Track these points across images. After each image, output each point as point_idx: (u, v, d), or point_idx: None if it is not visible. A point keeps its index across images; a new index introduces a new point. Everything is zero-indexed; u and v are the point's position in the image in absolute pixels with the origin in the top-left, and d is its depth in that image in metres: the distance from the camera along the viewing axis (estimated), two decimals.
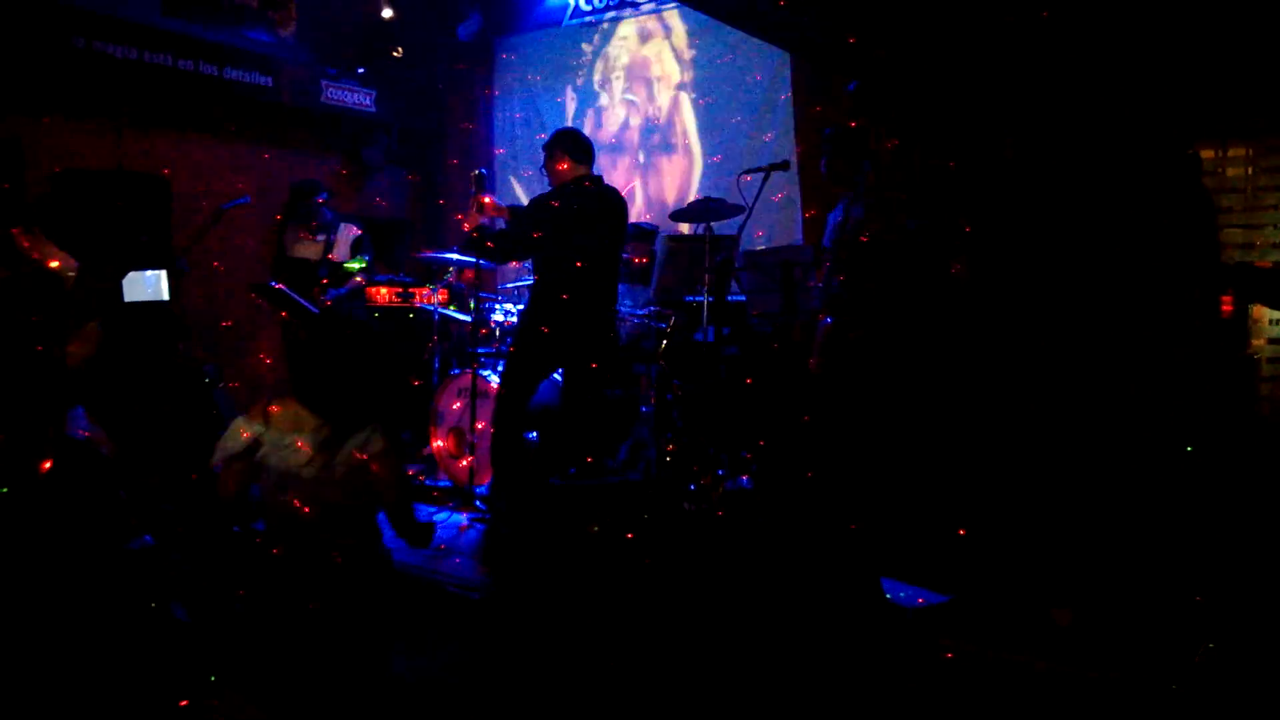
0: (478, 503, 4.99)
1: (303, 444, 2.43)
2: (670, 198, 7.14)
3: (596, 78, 7.59)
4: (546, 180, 4.66)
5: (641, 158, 7.38)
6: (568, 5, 7.59)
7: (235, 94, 6.71)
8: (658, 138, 7.29)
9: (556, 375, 4.88)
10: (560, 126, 4.71)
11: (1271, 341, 4.94)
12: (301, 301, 5.43)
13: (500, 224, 4.88)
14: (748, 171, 4.91)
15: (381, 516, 2.70)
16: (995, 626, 3.20)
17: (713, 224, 4.92)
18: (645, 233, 5.95)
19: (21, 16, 5.56)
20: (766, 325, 5.41)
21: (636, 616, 3.34)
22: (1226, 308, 4.11)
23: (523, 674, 3.20)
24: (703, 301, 4.81)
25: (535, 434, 5.08)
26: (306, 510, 2.35)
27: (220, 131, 6.90)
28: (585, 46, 7.61)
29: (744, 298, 5.32)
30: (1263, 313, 4.86)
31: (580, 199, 4.44)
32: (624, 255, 5.82)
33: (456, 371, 5.56)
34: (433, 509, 5.00)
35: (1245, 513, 3.52)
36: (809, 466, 4.31)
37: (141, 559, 2.73)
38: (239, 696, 2.24)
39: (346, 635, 2.35)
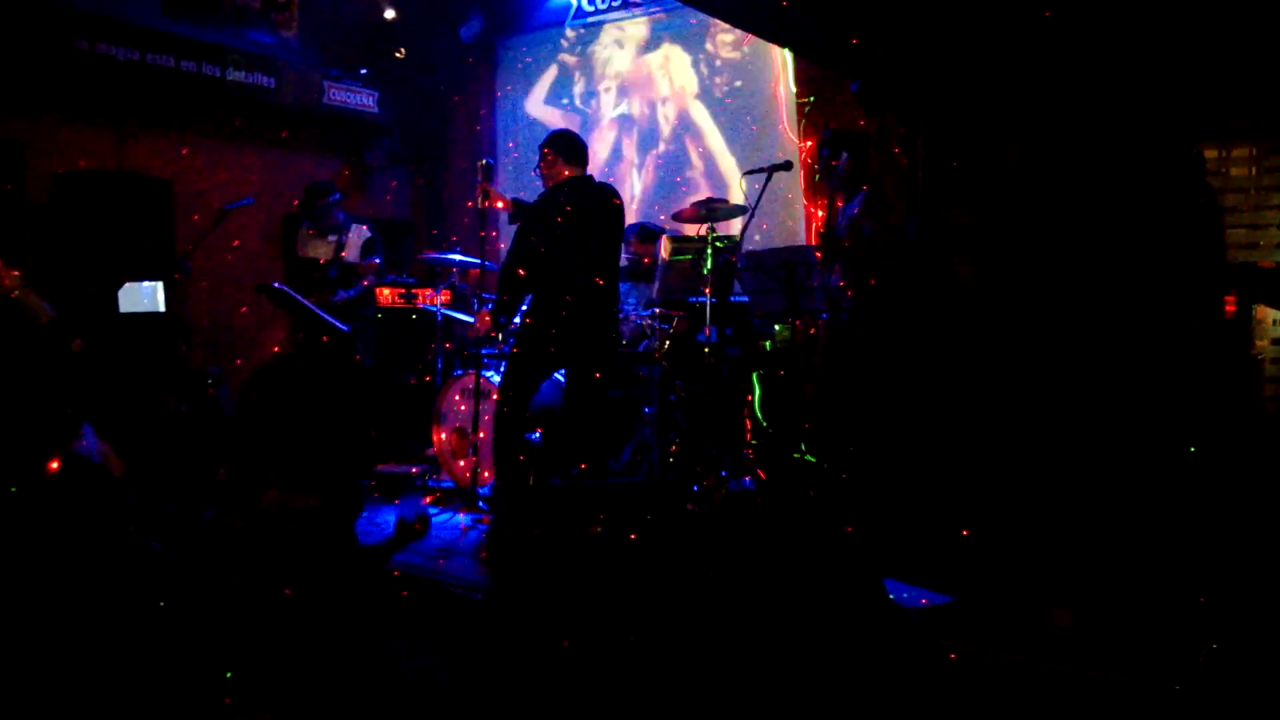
0: (480, 503, 4.99)
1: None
2: (672, 197, 7.13)
3: (599, 78, 7.59)
4: (541, 182, 4.68)
5: (643, 158, 7.38)
6: (570, 6, 7.58)
7: (237, 95, 6.71)
8: (660, 138, 7.28)
9: (559, 375, 4.89)
10: (554, 129, 4.73)
11: (1275, 342, 4.93)
12: (305, 303, 5.43)
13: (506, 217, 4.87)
14: (750, 172, 4.91)
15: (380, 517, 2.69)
16: (998, 627, 3.20)
17: (715, 224, 4.93)
18: (652, 233, 5.95)
19: (23, 18, 5.57)
20: (769, 326, 5.41)
21: (639, 617, 3.34)
22: (1230, 308, 4.11)
23: (525, 675, 3.20)
24: (705, 302, 4.81)
25: (538, 434, 5.09)
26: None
27: (222, 133, 6.91)
28: (588, 47, 7.61)
29: (746, 298, 5.32)
30: (1266, 313, 4.84)
31: (575, 198, 4.46)
32: (631, 254, 5.84)
33: (460, 372, 5.56)
34: (435, 509, 5.00)
35: (1248, 513, 3.52)
36: (813, 467, 4.31)
37: (146, 563, 2.74)
38: (251, 702, 2.24)
39: (343, 635, 2.35)
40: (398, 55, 7.78)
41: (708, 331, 4.84)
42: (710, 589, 3.38)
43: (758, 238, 6.17)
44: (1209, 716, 2.74)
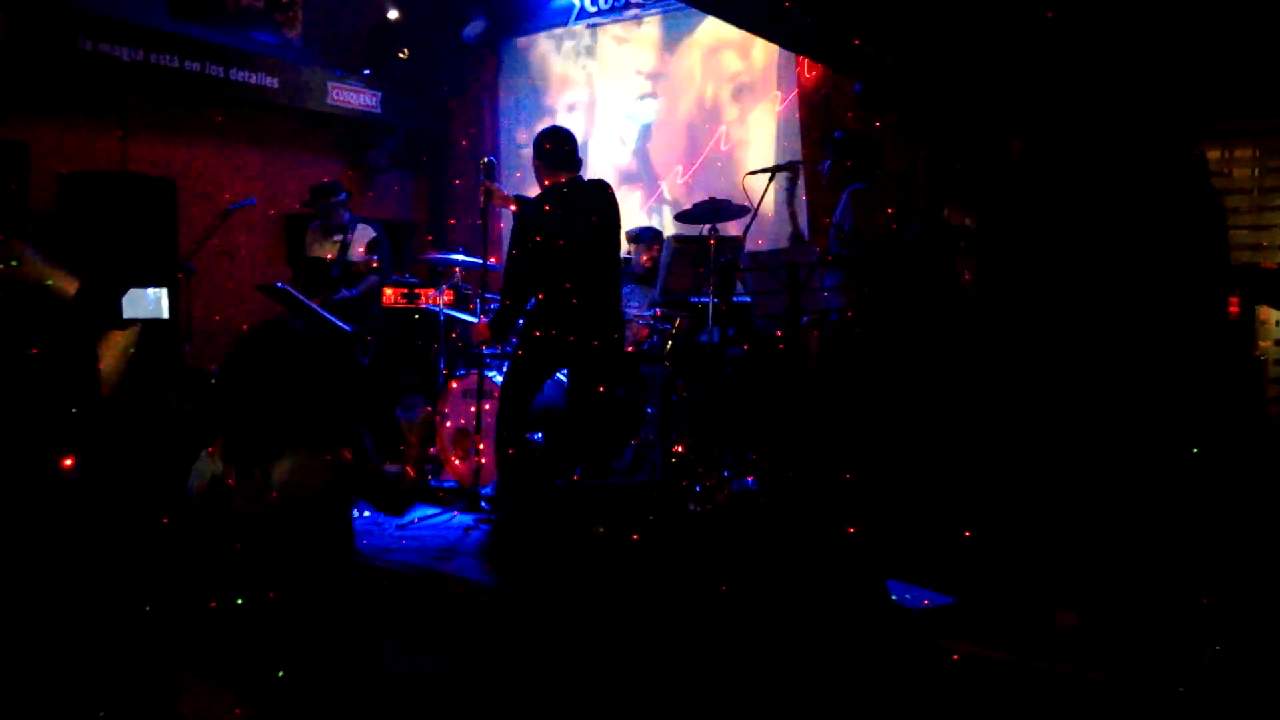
0: (482, 503, 4.99)
1: (230, 479, 2.26)
2: (674, 198, 7.14)
3: (602, 79, 7.59)
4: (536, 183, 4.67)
5: (645, 158, 7.38)
6: (573, 6, 7.59)
7: (241, 96, 6.73)
8: (662, 138, 7.29)
9: (561, 375, 4.88)
10: (547, 127, 4.71)
11: (1278, 343, 4.92)
12: (307, 302, 5.43)
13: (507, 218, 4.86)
14: (753, 172, 4.91)
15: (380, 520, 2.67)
16: (1000, 628, 3.20)
17: (718, 225, 4.93)
18: (655, 234, 5.95)
19: (28, 19, 5.59)
20: (771, 327, 5.41)
21: (641, 617, 3.34)
22: (1233, 309, 4.10)
23: (528, 675, 3.20)
24: (708, 303, 4.81)
25: (540, 435, 5.09)
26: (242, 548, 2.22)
27: (226, 133, 6.92)
28: (592, 48, 7.62)
29: (749, 299, 5.32)
30: (1270, 314, 4.84)
31: (570, 196, 4.45)
32: (633, 256, 5.83)
33: (462, 372, 5.56)
34: (438, 509, 5.01)
35: (1251, 514, 3.51)
36: (815, 466, 4.31)
37: (139, 561, 2.73)
38: (212, 684, 2.19)
39: (324, 627, 2.27)
40: (401, 56, 7.80)
41: (710, 332, 4.84)
42: (712, 589, 3.38)
43: (760, 240, 6.17)
44: (1212, 718, 2.73)
